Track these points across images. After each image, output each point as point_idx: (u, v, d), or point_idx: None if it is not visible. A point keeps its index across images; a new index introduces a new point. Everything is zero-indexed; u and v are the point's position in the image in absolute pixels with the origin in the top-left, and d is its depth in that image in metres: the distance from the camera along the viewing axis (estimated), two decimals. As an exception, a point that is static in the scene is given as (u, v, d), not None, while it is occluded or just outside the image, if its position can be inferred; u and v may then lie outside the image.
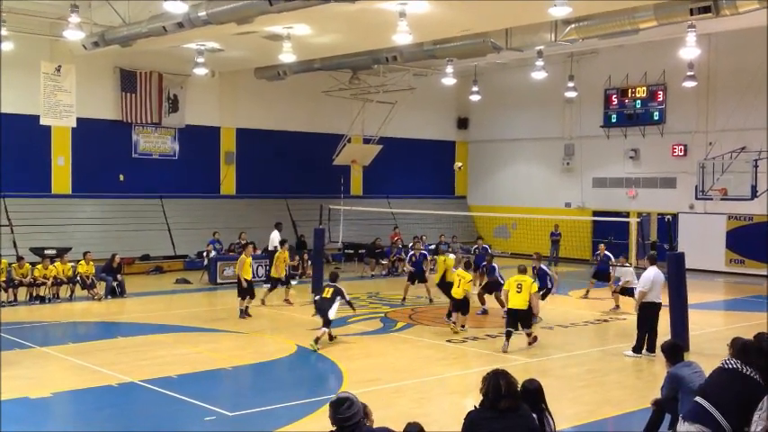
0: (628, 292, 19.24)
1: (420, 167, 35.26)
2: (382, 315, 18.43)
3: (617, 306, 19.50)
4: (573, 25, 19.73)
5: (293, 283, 21.43)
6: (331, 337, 15.00)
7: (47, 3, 21.74)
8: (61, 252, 21.70)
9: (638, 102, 30.32)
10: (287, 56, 20.88)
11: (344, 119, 31.15)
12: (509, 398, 5.84)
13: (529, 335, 14.85)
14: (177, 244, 27.53)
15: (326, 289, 15.22)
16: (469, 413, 5.96)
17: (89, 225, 25.99)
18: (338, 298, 14.87)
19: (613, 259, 21.10)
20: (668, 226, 17.40)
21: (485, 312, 18.52)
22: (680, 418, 6.91)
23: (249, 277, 18.06)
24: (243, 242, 25.05)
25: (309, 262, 24.82)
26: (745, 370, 6.66)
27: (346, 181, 31.52)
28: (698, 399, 6.63)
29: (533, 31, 20.85)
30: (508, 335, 14.60)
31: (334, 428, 5.68)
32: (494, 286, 18.56)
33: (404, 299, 20.56)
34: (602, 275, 21.22)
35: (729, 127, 27.18)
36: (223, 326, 16.94)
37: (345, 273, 26.19)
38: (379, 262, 27.15)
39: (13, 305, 19.29)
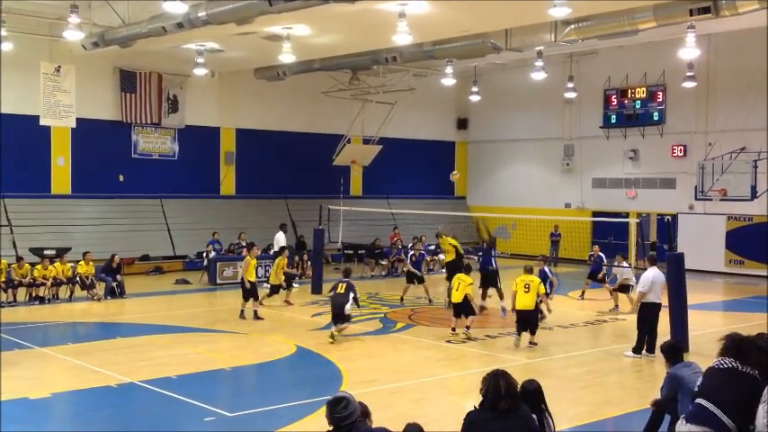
0: (624, 289, 19.30)
1: (420, 168, 35.26)
2: (382, 315, 18.43)
3: (616, 306, 19.54)
4: (572, 26, 19.73)
5: (295, 286, 21.41)
6: (332, 336, 15.11)
7: (46, 3, 21.73)
8: (61, 252, 21.70)
9: (638, 102, 30.32)
10: (287, 56, 20.88)
11: (344, 119, 31.15)
12: (509, 398, 5.84)
13: (532, 342, 14.90)
14: (177, 244, 27.53)
15: (340, 285, 15.61)
16: (469, 413, 5.96)
17: (89, 225, 25.98)
18: (352, 294, 15.37)
19: (605, 260, 21.14)
20: (668, 226, 17.41)
21: (483, 309, 18.52)
22: (681, 420, 6.90)
23: (253, 279, 18.04)
24: (243, 242, 25.09)
25: (309, 262, 24.81)
26: (742, 368, 6.67)
27: (346, 181, 31.52)
28: (700, 400, 6.62)
29: (533, 32, 20.85)
30: (519, 333, 14.82)
31: (331, 428, 5.70)
32: (490, 280, 18.66)
33: (402, 299, 20.58)
34: (596, 276, 21.27)
35: (729, 127, 27.18)
36: (223, 326, 16.93)
37: (344, 273, 26.23)
38: (378, 262, 27.15)
39: (12, 305, 19.29)
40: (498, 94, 34.27)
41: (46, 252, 21.65)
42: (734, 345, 6.77)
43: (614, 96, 30.97)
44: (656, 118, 29.74)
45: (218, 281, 23.58)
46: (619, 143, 31.21)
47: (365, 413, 6.10)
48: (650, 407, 8.61)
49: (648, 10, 18.03)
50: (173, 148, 28.59)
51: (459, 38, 21.92)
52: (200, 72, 24.27)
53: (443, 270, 21.34)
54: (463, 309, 15.67)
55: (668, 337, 12.97)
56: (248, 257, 18.26)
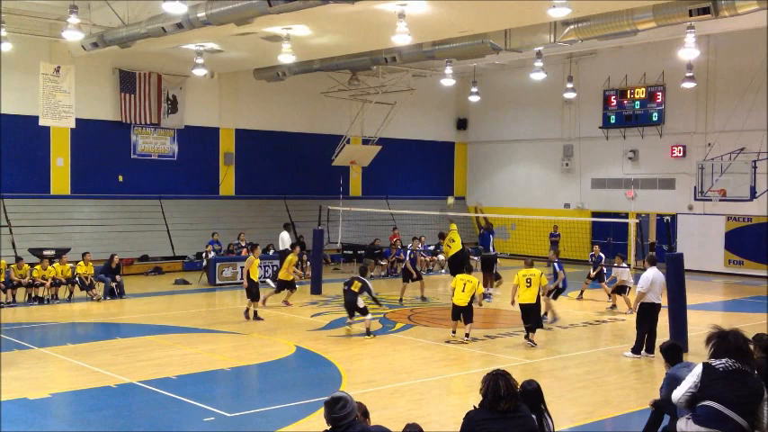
0: (621, 289, 19.32)
1: (419, 168, 35.28)
2: (381, 316, 18.41)
3: (614, 305, 19.59)
4: (572, 26, 19.73)
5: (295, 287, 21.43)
6: (348, 329, 15.82)
7: (46, 4, 21.72)
8: (60, 253, 21.69)
9: (637, 103, 30.33)
10: (286, 57, 20.88)
11: (344, 120, 31.17)
12: (508, 399, 5.84)
13: (531, 339, 14.95)
14: (176, 245, 27.52)
15: (355, 282, 16.02)
16: (468, 413, 5.97)
17: (88, 226, 25.99)
18: (365, 292, 15.94)
19: (604, 260, 21.19)
20: (667, 227, 17.43)
21: (485, 297, 18.69)
22: (684, 420, 6.90)
23: (256, 279, 18.04)
24: (242, 243, 25.11)
25: (308, 263, 24.82)
26: (743, 367, 6.70)
27: (345, 182, 31.53)
28: (710, 403, 6.63)
29: (532, 32, 20.85)
30: (528, 329, 14.92)
31: (329, 428, 5.73)
32: (488, 263, 18.85)
33: (401, 299, 20.60)
34: (594, 276, 21.29)
35: (728, 128, 27.19)
36: (222, 327, 16.93)
37: (344, 273, 26.23)
38: (378, 263, 27.15)
39: (11, 306, 19.29)
40: (498, 95, 34.30)
41: (45, 252, 21.65)
42: (734, 345, 6.79)
43: (614, 97, 30.97)
44: (655, 118, 29.75)
45: (218, 281, 23.58)
46: (618, 143, 31.22)
47: (364, 413, 6.11)
48: (650, 407, 8.61)
49: (648, 10, 18.04)
50: (172, 149, 28.59)
51: (458, 38, 21.93)
52: (199, 72, 24.27)
53: (443, 271, 21.45)
54: (465, 313, 15.25)
55: (668, 338, 12.97)
56: (251, 257, 18.26)
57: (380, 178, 33.22)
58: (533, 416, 6.29)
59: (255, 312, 17.76)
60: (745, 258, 27.54)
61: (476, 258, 24.07)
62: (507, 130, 35.17)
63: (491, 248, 19.45)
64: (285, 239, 23.90)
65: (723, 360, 6.73)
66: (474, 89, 30.34)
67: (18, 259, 20.85)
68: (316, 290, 21.70)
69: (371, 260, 27.17)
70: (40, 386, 11.74)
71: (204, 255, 24.82)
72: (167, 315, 18.50)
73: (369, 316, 16.04)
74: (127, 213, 27.05)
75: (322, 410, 5.84)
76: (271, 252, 25.10)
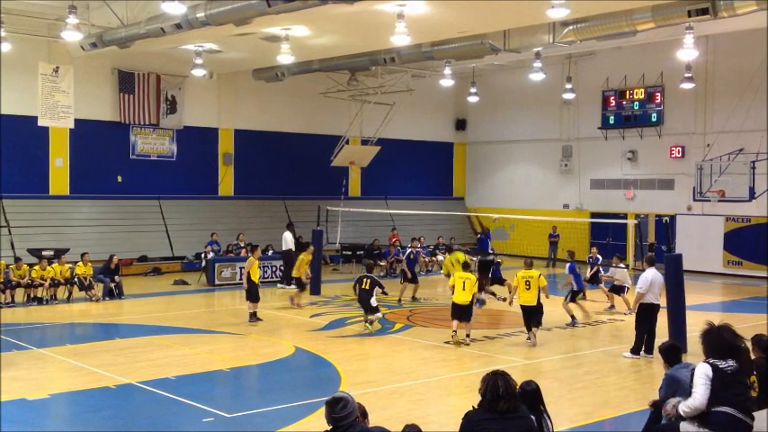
0: (618, 290, 19.33)
1: (418, 169, 35.28)
2: (380, 316, 18.38)
3: (612, 306, 19.59)
4: (571, 27, 19.74)
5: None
6: (367, 327, 16.23)
7: (45, 4, 21.72)
8: (59, 253, 21.67)
9: (636, 103, 30.32)
10: (285, 57, 20.88)
11: (343, 120, 31.16)
12: (507, 399, 5.85)
13: (529, 338, 15.01)
14: (175, 245, 27.51)
15: (365, 280, 16.48)
16: (467, 413, 5.97)
17: (87, 226, 25.98)
18: (376, 287, 16.36)
19: (601, 261, 21.18)
20: (666, 227, 17.45)
21: (483, 302, 18.69)
22: (690, 423, 6.90)
23: (256, 280, 17.97)
24: (241, 243, 25.10)
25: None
26: (740, 367, 6.73)
27: (344, 182, 31.54)
28: (724, 408, 6.63)
29: (531, 33, 20.87)
30: (529, 329, 15.03)
31: (329, 428, 5.73)
32: (486, 267, 18.98)
33: (400, 300, 20.60)
34: (593, 277, 21.28)
35: (727, 128, 27.19)
36: (221, 327, 16.92)
37: (343, 274, 26.27)
38: (377, 263, 27.11)
39: (10, 306, 19.27)
40: (497, 95, 34.29)
41: (44, 253, 21.60)
42: (731, 343, 6.81)
43: (612, 97, 30.97)
44: (654, 119, 29.75)
45: (217, 282, 23.56)
46: (617, 144, 31.22)
47: (363, 413, 6.11)
48: (649, 408, 8.61)
49: (647, 11, 18.05)
50: (171, 149, 28.58)
51: (457, 39, 21.94)
52: (198, 73, 24.26)
53: (442, 271, 21.50)
54: (466, 312, 15.17)
55: (666, 338, 12.97)
56: (251, 258, 18.14)
57: (379, 179, 33.22)
58: (532, 416, 6.29)
59: (255, 313, 17.72)
60: (743, 259, 27.53)
61: (474, 259, 24.05)
62: (506, 131, 35.16)
63: (490, 252, 19.46)
64: (288, 239, 23.87)
65: (728, 362, 6.73)
66: (473, 90, 30.35)
67: (17, 260, 20.86)
68: (315, 290, 21.67)
69: (371, 260, 27.20)
70: (39, 387, 11.73)
71: (203, 255, 24.80)
72: (166, 316, 18.49)
73: (378, 314, 16.55)
74: (126, 214, 27.03)
75: (321, 411, 5.84)
76: (270, 252, 25.10)
